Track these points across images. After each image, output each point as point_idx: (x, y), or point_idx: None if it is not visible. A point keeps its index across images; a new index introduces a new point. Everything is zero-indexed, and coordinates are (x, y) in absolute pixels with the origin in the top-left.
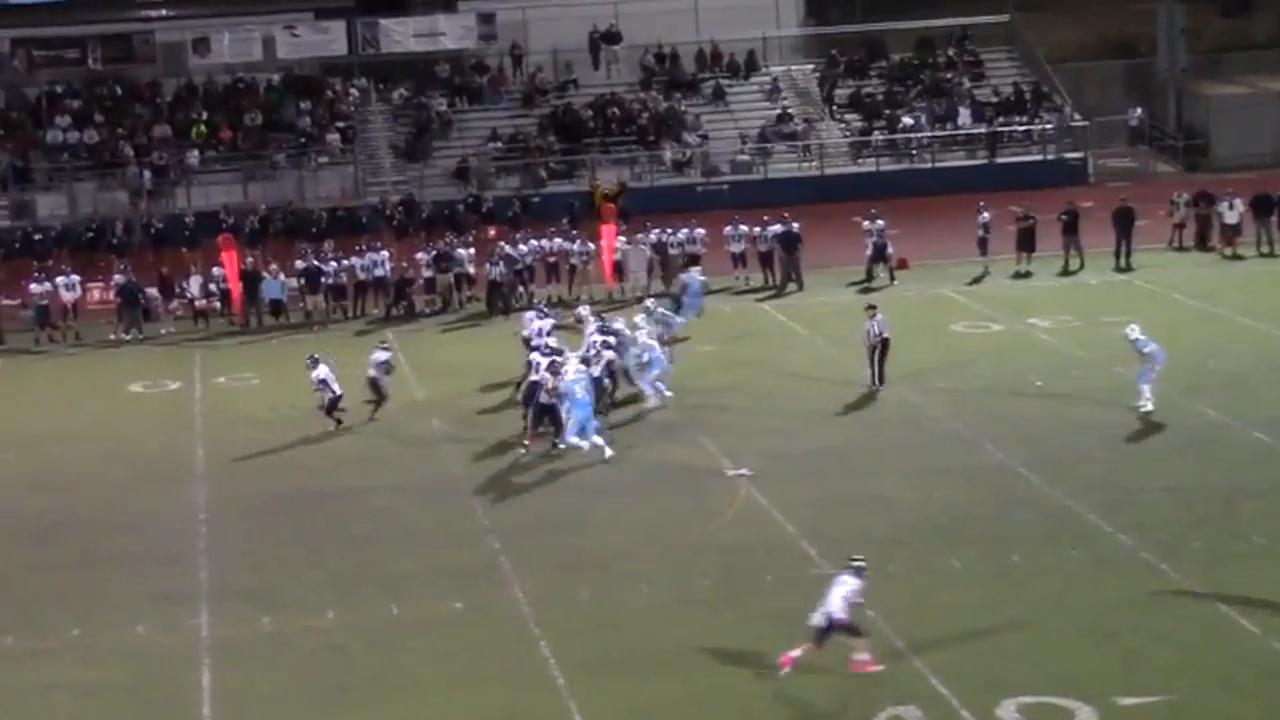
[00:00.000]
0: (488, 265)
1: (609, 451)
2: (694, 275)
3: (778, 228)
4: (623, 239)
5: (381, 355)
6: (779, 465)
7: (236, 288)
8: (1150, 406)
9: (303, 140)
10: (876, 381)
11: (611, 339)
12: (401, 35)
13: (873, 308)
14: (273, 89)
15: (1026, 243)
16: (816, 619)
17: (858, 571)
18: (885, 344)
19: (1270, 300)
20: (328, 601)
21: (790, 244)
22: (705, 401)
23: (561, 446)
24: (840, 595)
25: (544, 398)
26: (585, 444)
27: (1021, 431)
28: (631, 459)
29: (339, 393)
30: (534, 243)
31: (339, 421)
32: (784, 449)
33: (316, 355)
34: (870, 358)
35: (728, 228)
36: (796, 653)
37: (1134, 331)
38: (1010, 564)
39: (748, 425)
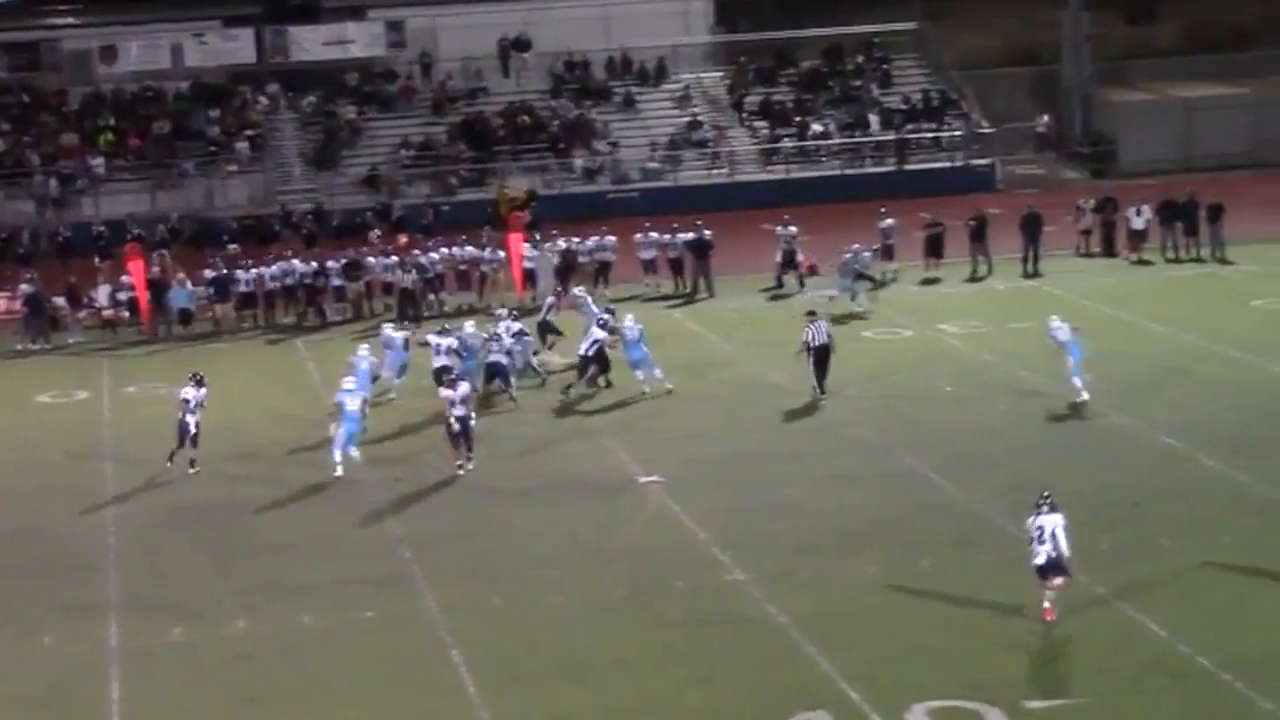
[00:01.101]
0: (399, 273)
1: (339, 471)
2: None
3: (690, 234)
4: (532, 247)
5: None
6: (691, 472)
7: (144, 297)
8: (1085, 396)
9: (211, 148)
10: (820, 389)
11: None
12: (310, 43)
13: (812, 313)
14: (181, 97)
15: (934, 249)
16: (1040, 559)
17: (1053, 508)
18: (825, 350)
19: (1177, 305)
20: (238, 611)
21: (702, 251)
22: (617, 408)
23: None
24: (1054, 532)
25: (458, 411)
26: (342, 455)
27: (932, 437)
28: (543, 467)
29: (193, 430)
30: (444, 250)
31: (170, 457)
32: (695, 455)
33: (201, 374)
34: (809, 364)
35: (638, 235)
36: (1046, 604)
37: (1053, 321)
38: (920, 569)
39: (659, 432)
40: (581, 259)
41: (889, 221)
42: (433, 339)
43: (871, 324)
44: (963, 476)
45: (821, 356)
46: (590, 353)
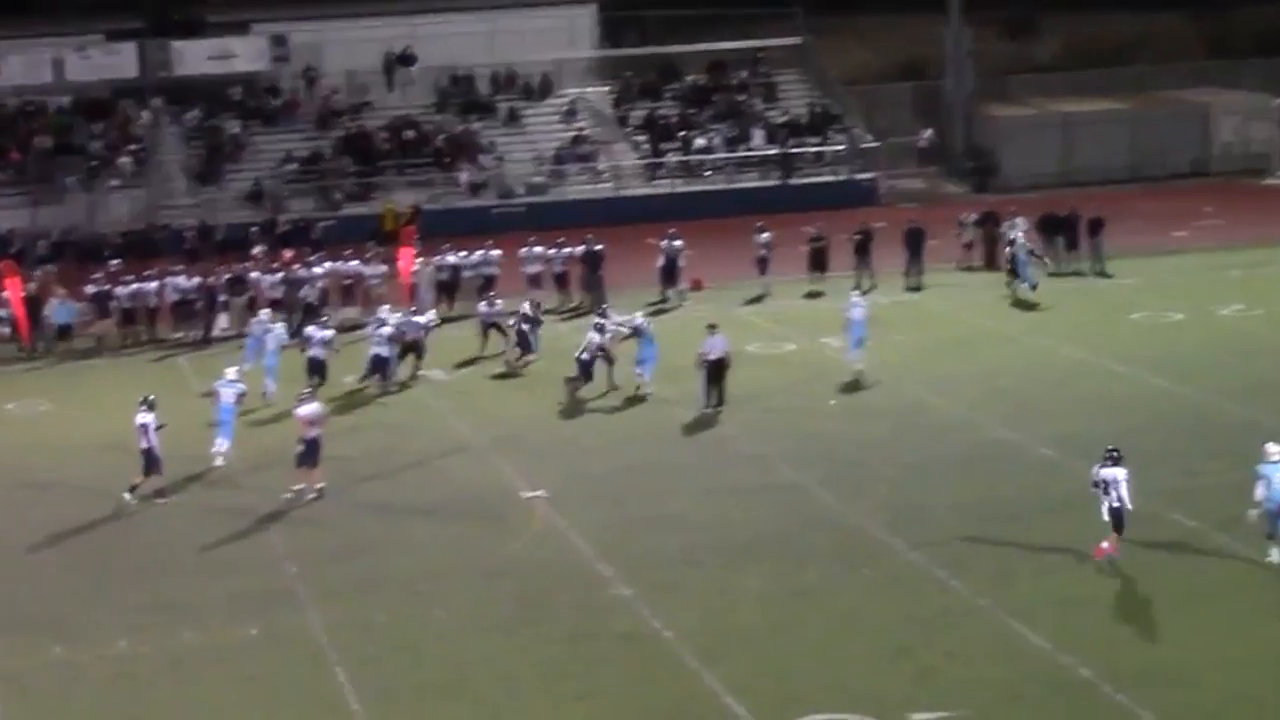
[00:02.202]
0: (285, 288)
1: (218, 460)
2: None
3: (580, 247)
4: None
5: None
6: (575, 487)
7: (21, 314)
8: (860, 366)
9: (94, 163)
10: (713, 402)
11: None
12: (194, 58)
13: (713, 326)
14: (62, 112)
15: (818, 263)
16: (1106, 513)
17: (1116, 461)
18: (723, 363)
19: (1057, 319)
20: (120, 630)
21: (594, 263)
22: (501, 423)
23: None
24: (1122, 483)
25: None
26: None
27: (815, 450)
28: (428, 482)
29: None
30: (329, 265)
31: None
32: (579, 470)
33: (150, 397)
34: (704, 376)
35: (522, 249)
36: (1105, 545)
37: (854, 296)
38: (804, 582)
39: (544, 446)
40: (466, 273)
41: (765, 235)
42: (310, 330)
43: (756, 338)
44: (846, 490)
45: (715, 370)
46: (588, 357)
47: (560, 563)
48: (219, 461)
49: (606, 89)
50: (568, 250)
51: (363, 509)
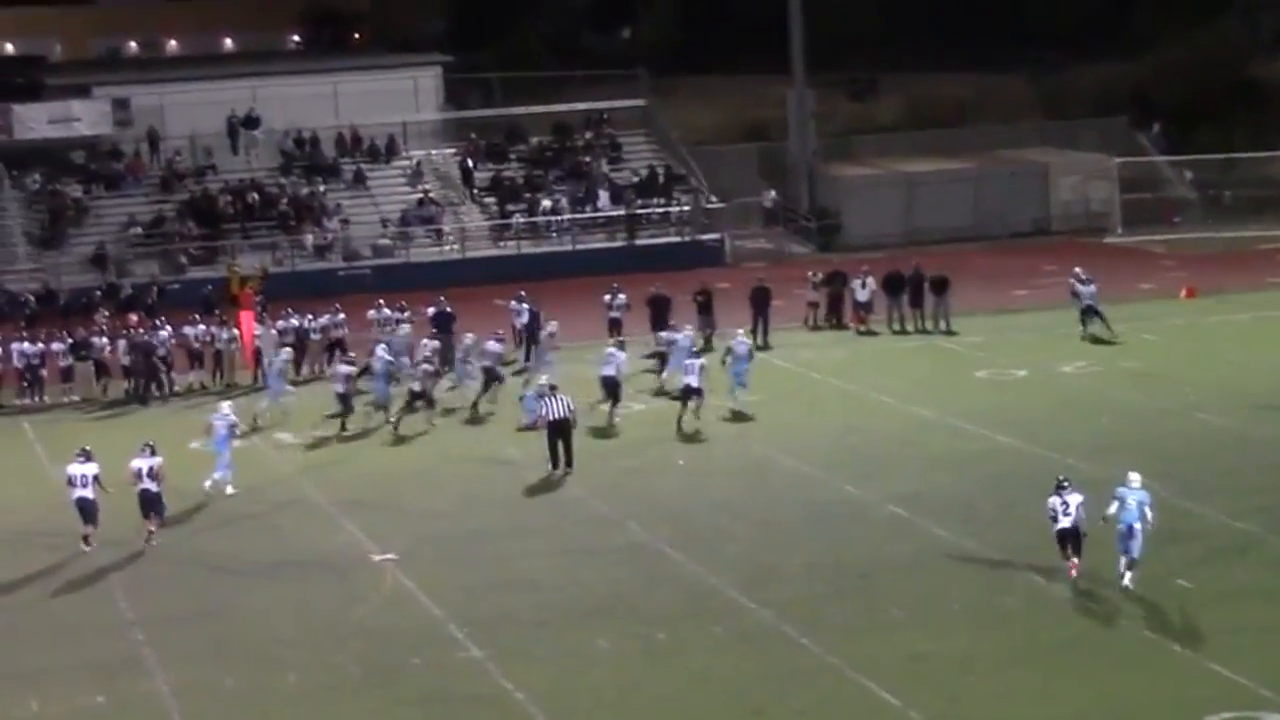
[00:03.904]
0: (124, 354)
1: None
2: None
3: (432, 309)
4: (259, 325)
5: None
6: (425, 549)
7: None
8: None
9: None
10: (560, 466)
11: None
12: (35, 122)
13: (554, 387)
14: None
15: (660, 322)
16: (1062, 530)
17: (1060, 489)
18: (564, 424)
19: (903, 376)
20: None
21: (445, 325)
22: (349, 486)
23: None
24: (1077, 508)
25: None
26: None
27: (665, 510)
28: (275, 543)
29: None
30: (171, 329)
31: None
32: (430, 532)
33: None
34: (549, 438)
35: (371, 312)
36: (1076, 560)
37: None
38: (655, 642)
39: (393, 509)
40: (314, 336)
41: (621, 297)
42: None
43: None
44: (696, 549)
45: (558, 430)
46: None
47: (411, 625)
48: (229, 490)
49: (452, 151)
50: (403, 312)
51: (209, 571)
